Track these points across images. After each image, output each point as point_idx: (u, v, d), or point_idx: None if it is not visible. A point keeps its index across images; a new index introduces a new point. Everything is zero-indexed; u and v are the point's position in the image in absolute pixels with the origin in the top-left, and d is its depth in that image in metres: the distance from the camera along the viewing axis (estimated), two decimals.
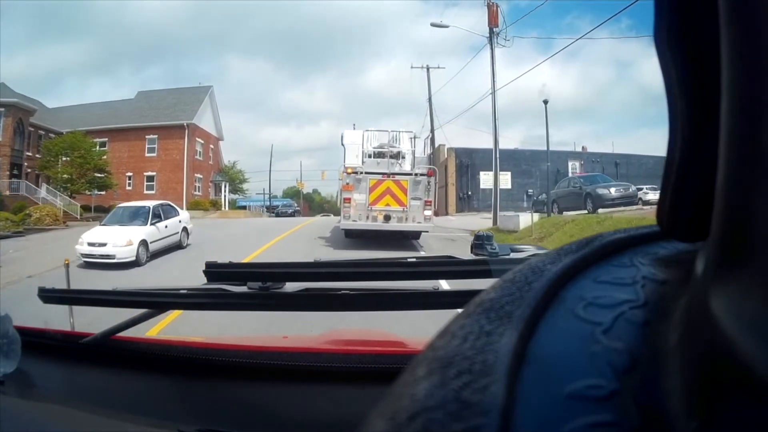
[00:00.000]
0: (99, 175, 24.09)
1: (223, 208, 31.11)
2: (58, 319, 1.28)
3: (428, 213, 10.18)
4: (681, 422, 0.18)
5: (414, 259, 1.11)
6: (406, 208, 10.11)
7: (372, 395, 0.29)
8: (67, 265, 1.31)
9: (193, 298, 1.05)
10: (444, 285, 1.12)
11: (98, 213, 20.80)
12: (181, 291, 1.04)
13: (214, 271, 0.97)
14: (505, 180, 28.93)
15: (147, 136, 29.19)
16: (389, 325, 2.07)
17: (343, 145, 11.85)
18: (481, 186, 28.67)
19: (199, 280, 1.03)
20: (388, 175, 10.23)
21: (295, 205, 41.30)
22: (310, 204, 64.48)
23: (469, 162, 29.73)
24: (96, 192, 24.04)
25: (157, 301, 1.04)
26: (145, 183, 29.06)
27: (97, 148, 26.22)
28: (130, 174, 29.08)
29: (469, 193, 29.64)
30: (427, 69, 26.38)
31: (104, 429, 0.82)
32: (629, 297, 0.25)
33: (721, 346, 0.18)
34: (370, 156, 11.08)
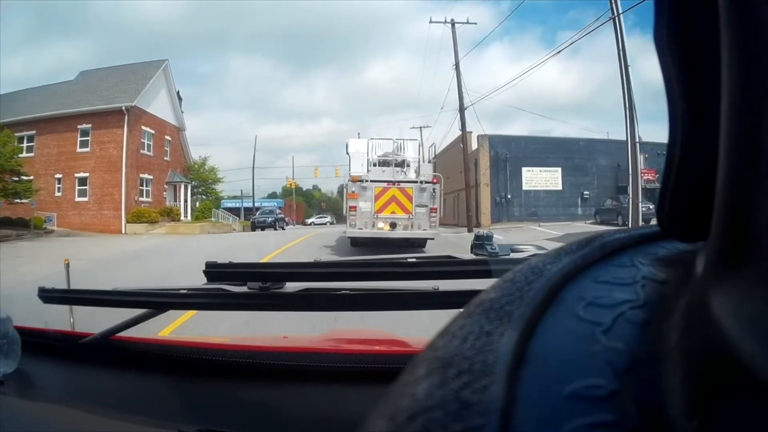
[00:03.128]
0: (14, 179, 17.79)
1: (182, 217, 23.86)
2: (58, 319, 1.28)
3: (434, 220, 10.24)
4: (681, 422, 0.18)
5: (414, 259, 1.11)
6: (412, 215, 10.14)
7: (372, 395, 0.29)
8: (67, 265, 1.31)
9: (193, 298, 1.05)
10: (444, 285, 1.12)
11: (7, 229, 15.44)
12: (181, 291, 1.04)
13: (214, 271, 0.98)
14: (555, 179, 22.49)
15: (79, 126, 21.35)
16: (389, 325, 2.06)
17: (348, 153, 11.88)
18: (524, 186, 22.16)
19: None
20: (393, 182, 10.29)
21: (278, 211, 28.44)
22: (309, 201, 58.33)
23: (508, 154, 22.05)
24: (8, 200, 17.54)
25: (157, 301, 1.04)
26: (77, 187, 21.56)
27: (24, 143, 20.44)
28: (59, 176, 21.58)
29: (509, 196, 22.08)
30: (452, 24, 18.69)
31: (104, 429, 0.82)
32: (629, 297, 0.25)
33: (721, 346, 0.18)
34: (375, 164, 11.11)
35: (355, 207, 10.21)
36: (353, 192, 10.26)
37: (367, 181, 10.28)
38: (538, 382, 0.19)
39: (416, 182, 10.32)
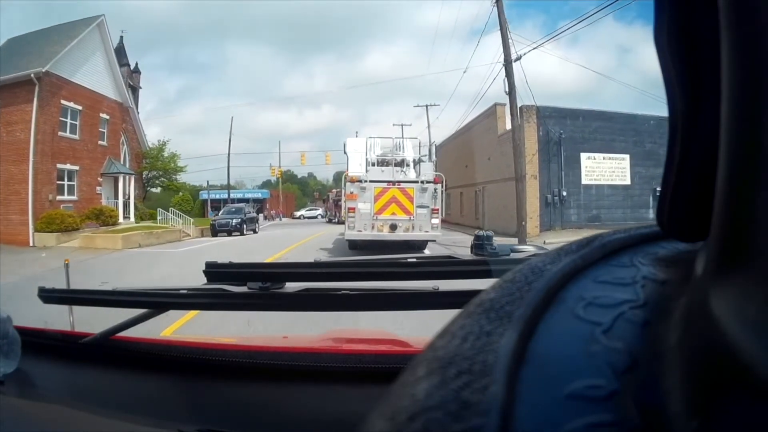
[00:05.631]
0: None
1: (121, 218, 17.66)
2: (58, 319, 1.28)
3: (435, 221, 9.98)
4: (681, 422, 0.18)
5: (414, 259, 1.12)
6: (413, 216, 9.86)
7: (372, 395, 0.29)
8: (66, 265, 1.31)
9: (193, 298, 1.05)
10: (444, 285, 1.12)
11: None
12: (181, 291, 1.04)
13: (214, 271, 0.98)
14: (621, 169, 16.16)
15: None
16: (389, 325, 2.07)
17: (345, 153, 11.54)
18: (583, 180, 15.87)
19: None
20: (394, 183, 10.01)
21: (248, 208, 21.68)
22: (304, 189, 53.89)
23: (562, 134, 15.42)
24: None
25: (157, 301, 1.05)
26: None
27: None
28: None
29: (563, 193, 15.49)
30: None
31: (104, 429, 0.82)
32: (629, 297, 0.25)
33: (721, 346, 0.18)
34: (373, 164, 10.80)
35: (353, 208, 9.94)
36: (352, 193, 9.98)
37: (366, 181, 10.00)
38: (538, 382, 0.19)
39: (417, 182, 10.05)
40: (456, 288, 0.93)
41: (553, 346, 0.22)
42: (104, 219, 16.51)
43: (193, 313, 3.92)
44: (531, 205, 14.63)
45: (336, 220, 26.40)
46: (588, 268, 0.27)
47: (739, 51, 0.20)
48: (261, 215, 33.84)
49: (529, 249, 1.24)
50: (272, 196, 40.54)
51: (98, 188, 18.28)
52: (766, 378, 0.16)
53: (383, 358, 0.99)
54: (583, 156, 15.85)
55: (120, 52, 21.40)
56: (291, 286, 0.97)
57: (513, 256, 1.14)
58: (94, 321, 1.19)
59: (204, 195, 32.82)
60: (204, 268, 0.97)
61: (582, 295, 0.25)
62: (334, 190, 33.01)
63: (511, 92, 12.88)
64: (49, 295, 1.06)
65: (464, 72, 19.63)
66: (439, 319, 0.30)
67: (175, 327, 3.85)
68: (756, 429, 0.16)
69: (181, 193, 26.79)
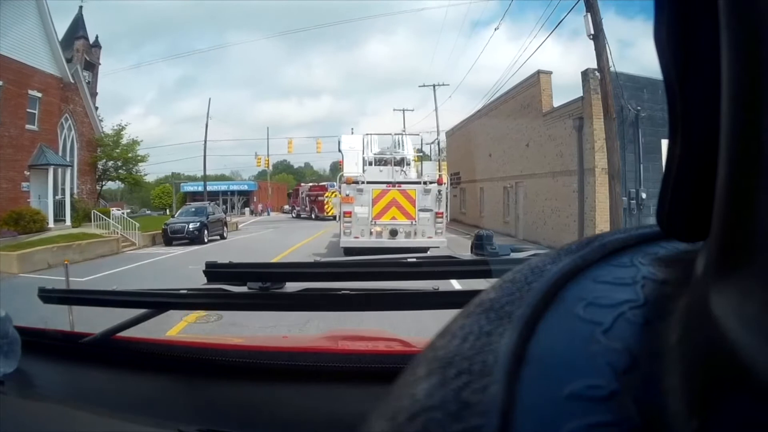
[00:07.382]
0: None
1: (52, 223, 13.95)
2: (58, 319, 1.28)
3: (440, 226, 9.17)
4: (681, 422, 0.18)
5: (414, 259, 1.12)
6: (415, 221, 9.08)
7: (372, 395, 0.29)
8: (66, 266, 1.31)
9: (193, 298, 1.05)
10: (444, 285, 1.12)
11: None
12: (181, 291, 1.04)
13: (214, 271, 0.98)
14: None
15: None
16: (389, 325, 2.07)
17: (340, 151, 10.65)
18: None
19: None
20: (393, 184, 9.25)
21: (210, 208, 16.70)
22: (301, 180, 48.43)
23: (640, 111, 10.68)
24: None
25: (157, 301, 1.05)
26: None
27: None
28: None
29: (642, 195, 10.83)
30: None
31: (104, 429, 0.82)
32: (629, 297, 0.25)
33: (721, 346, 0.18)
34: (371, 163, 10.12)
35: (350, 212, 9.14)
36: (348, 195, 9.20)
37: (363, 182, 9.23)
38: (537, 382, 0.19)
39: (419, 183, 9.28)
40: (456, 288, 0.93)
41: (553, 346, 0.21)
42: (25, 225, 12.51)
43: (196, 315, 3.92)
44: (600, 211, 10.54)
45: (313, 215, 25.85)
46: (588, 268, 0.27)
47: (739, 50, 0.20)
48: (247, 209, 32.27)
49: (529, 249, 1.24)
50: (261, 188, 35.59)
51: (24, 184, 14.27)
52: (766, 378, 0.16)
53: (383, 358, 0.99)
54: (665, 144, 11.24)
55: (77, 23, 19.39)
56: (291, 286, 0.98)
57: (513, 256, 1.14)
58: (94, 321, 1.19)
59: (187, 187, 29.23)
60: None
61: (582, 295, 0.25)
62: (303, 184, 31.83)
63: (598, 35, 8.77)
64: (49, 295, 1.07)
65: (496, 29, 14.62)
66: (438, 319, 0.30)
67: (179, 328, 3.85)
68: (756, 429, 0.16)
69: (169, 183, 24.41)
